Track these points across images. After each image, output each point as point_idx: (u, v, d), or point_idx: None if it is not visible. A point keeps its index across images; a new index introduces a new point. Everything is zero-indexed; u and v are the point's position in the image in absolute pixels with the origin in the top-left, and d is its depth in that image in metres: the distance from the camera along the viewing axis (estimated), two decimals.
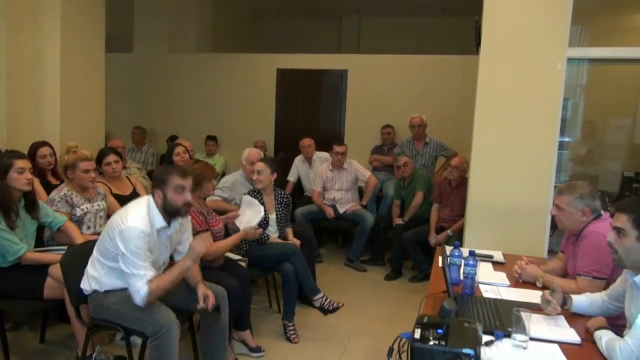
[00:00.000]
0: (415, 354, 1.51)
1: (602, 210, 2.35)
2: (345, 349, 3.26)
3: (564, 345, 1.75)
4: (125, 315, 2.36)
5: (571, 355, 1.68)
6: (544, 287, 2.36)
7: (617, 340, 1.65)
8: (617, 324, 1.90)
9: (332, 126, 6.65)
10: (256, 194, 3.57)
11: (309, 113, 6.75)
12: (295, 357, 3.14)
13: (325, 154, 5.44)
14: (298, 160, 5.59)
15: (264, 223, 3.45)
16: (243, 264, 3.27)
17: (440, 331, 1.57)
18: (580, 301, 2.04)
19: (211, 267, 2.99)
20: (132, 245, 2.25)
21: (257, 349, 3.12)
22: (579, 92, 4.31)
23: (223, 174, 5.81)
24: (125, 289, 2.35)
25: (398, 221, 4.94)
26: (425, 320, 1.65)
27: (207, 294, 2.49)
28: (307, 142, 5.53)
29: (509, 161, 3.66)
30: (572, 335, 1.83)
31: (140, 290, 2.26)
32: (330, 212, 5.00)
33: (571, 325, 1.92)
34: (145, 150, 6.46)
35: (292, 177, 5.57)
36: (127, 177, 3.91)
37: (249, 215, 3.29)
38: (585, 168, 4.58)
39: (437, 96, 6.02)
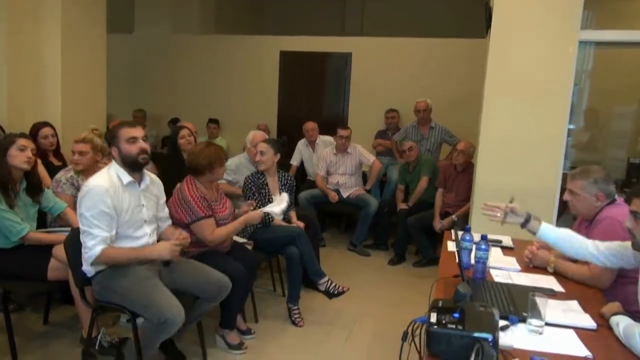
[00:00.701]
0: (432, 338, 1.48)
1: (616, 195, 2.32)
2: (350, 333, 3.25)
3: (580, 331, 1.72)
4: (130, 301, 2.34)
5: (587, 340, 1.65)
6: (555, 273, 2.34)
7: (635, 327, 1.62)
8: (632, 310, 1.88)
9: (336, 110, 6.58)
10: (259, 175, 3.53)
11: (312, 96, 6.67)
12: (300, 341, 3.13)
13: (328, 138, 5.39)
14: (301, 144, 5.54)
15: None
16: (249, 247, 3.24)
17: (456, 315, 1.53)
18: (551, 230, 2.07)
19: (217, 252, 2.95)
20: (90, 203, 2.26)
21: (248, 332, 3.12)
22: (584, 78, 4.25)
23: (225, 158, 5.76)
24: (129, 270, 2.35)
25: (402, 206, 4.91)
26: (440, 305, 1.62)
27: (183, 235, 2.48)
28: (310, 125, 5.47)
29: (518, 146, 3.61)
30: (587, 321, 1.80)
31: (92, 248, 2.27)
32: (333, 196, 4.96)
33: (586, 311, 1.89)
34: (146, 133, 6.37)
35: (295, 161, 5.52)
36: None
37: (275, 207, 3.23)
38: (589, 154, 4.53)
39: (443, 80, 5.94)
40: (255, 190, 3.48)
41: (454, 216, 4.49)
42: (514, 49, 3.55)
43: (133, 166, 2.41)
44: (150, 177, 2.57)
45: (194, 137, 4.19)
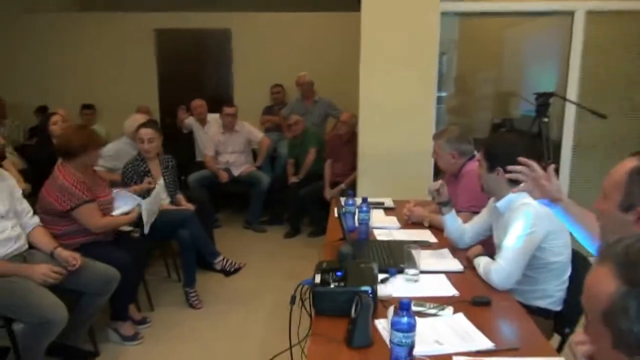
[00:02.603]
0: (317, 297, 1.56)
1: (475, 152, 2.57)
2: (249, 308, 3.29)
3: (450, 274, 1.92)
4: (4, 304, 2.16)
5: (456, 282, 1.85)
6: (430, 226, 2.56)
7: (491, 264, 1.84)
8: (492, 252, 2.12)
9: (221, 88, 6.43)
10: (140, 162, 3.39)
11: (194, 75, 6.43)
12: (199, 323, 3.10)
13: (217, 116, 5.29)
14: (191, 121, 5.41)
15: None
16: (136, 235, 3.11)
17: (339, 274, 1.63)
18: (452, 218, 2.21)
19: (101, 242, 2.79)
20: None
21: (143, 321, 3.04)
22: (452, 47, 4.59)
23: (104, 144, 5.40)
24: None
25: (293, 179, 5.00)
26: (324, 266, 1.71)
27: (73, 255, 2.40)
28: (198, 103, 5.36)
29: (394, 113, 3.83)
30: (456, 265, 2.01)
31: None
32: (224, 176, 4.90)
33: (454, 257, 2.11)
34: (8, 124, 5.78)
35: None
36: None
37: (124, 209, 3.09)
38: (460, 118, 4.95)
39: (324, 53, 6.04)
40: (137, 178, 3.33)
41: (343, 185, 4.68)
42: (383, 21, 3.72)
43: None
44: None
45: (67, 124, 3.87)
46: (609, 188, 1.17)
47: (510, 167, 1.71)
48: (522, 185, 1.68)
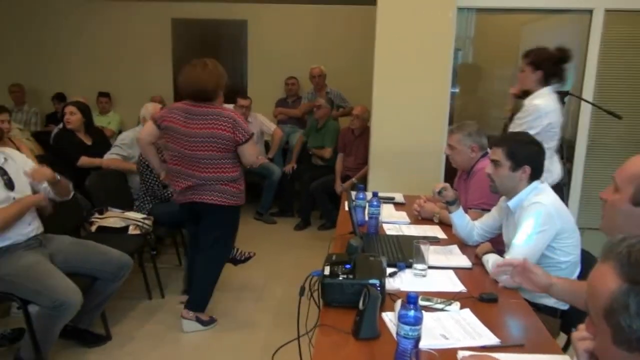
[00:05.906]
0: (326, 288, 1.59)
1: (488, 148, 2.57)
2: (259, 296, 3.33)
3: (458, 270, 1.93)
4: (20, 286, 2.22)
5: (464, 278, 1.86)
6: (440, 222, 2.57)
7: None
8: (501, 249, 2.13)
9: (235, 79, 6.44)
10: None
11: None
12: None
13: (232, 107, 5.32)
14: None
15: None
16: (148, 222, 3.16)
17: (348, 266, 1.65)
18: (460, 216, 2.23)
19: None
20: None
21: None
22: (467, 43, 4.56)
23: (120, 132, 5.46)
24: (16, 257, 2.21)
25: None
26: (333, 258, 1.73)
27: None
28: None
29: (407, 108, 3.83)
30: (464, 261, 2.02)
31: None
32: None
33: (463, 253, 2.12)
34: (26, 109, 5.89)
35: None
36: (9, 138, 3.54)
37: None
38: (473, 115, 4.92)
39: (338, 46, 6.05)
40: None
41: (354, 179, 4.69)
42: (399, 15, 3.71)
43: None
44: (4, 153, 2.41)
45: (80, 114, 3.89)
46: (622, 180, 1.16)
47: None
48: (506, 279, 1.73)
